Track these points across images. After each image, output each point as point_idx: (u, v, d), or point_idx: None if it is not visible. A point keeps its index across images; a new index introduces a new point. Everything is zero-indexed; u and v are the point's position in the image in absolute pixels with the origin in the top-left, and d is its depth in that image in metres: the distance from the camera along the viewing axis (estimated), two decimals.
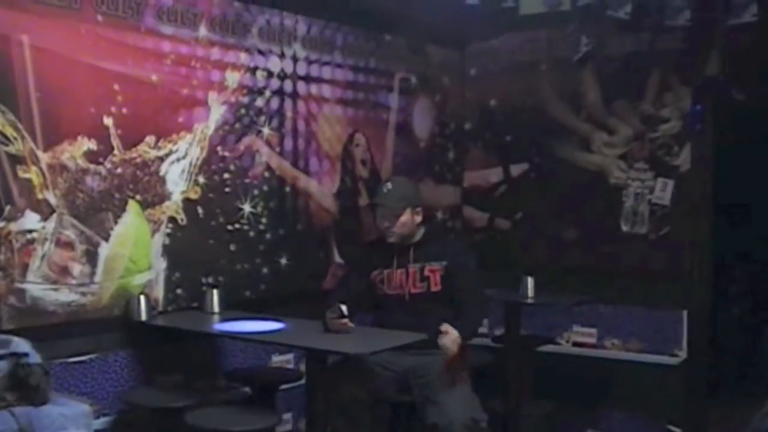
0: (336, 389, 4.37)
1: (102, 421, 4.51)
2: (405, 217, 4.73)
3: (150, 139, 4.74)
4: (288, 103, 5.54)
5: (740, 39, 5.69)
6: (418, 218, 4.80)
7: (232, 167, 5.20)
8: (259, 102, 5.35)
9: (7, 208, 4.14)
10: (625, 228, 6.15)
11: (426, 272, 4.76)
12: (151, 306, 4.73)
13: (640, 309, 6.06)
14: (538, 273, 5.66)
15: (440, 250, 4.82)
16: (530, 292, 5.61)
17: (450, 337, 4.51)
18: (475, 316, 4.83)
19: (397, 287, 4.80)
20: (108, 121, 4.53)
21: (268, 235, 5.45)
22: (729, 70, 5.81)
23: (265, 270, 5.44)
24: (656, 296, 5.95)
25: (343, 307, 4.34)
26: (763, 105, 5.99)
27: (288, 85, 5.54)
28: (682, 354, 5.95)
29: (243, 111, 5.25)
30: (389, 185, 4.83)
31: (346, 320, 4.35)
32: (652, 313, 6.02)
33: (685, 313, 5.94)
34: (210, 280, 5.10)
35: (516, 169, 6.72)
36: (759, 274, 7.75)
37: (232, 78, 5.18)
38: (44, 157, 4.26)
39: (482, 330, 6.55)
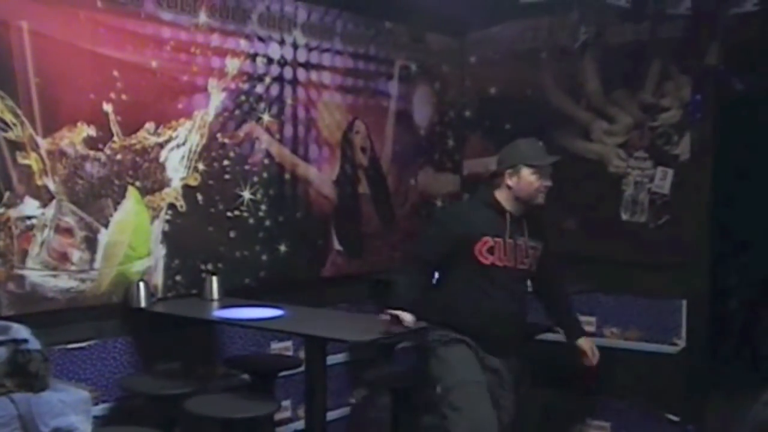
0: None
1: (101, 408, 4.52)
2: None
3: (150, 125, 4.74)
4: (288, 90, 5.53)
5: (741, 29, 5.68)
6: None
7: (231, 154, 5.19)
8: (259, 89, 5.34)
9: (7, 194, 4.14)
10: (624, 217, 6.14)
11: (529, 248, 4.26)
12: (151, 293, 4.74)
13: (640, 298, 6.05)
14: None
15: (541, 228, 4.37)
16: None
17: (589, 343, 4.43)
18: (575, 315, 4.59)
19: (506, 259, 4.17)
20: (107, 107, 4.53)
21: (267, 222, 5.44)
22: (729, 60, 5.79)
23: (264, 257, 5.44)
24: (655, 285, 5.94)
25: (408, 318, 3.98)
26: (764, 95, 5.98)
27: (288, 72, 5.53)
28: (681, 343, 5.95)
29: (243, 98, 5.25)
30: (542, 144, 4.39)
31: (398, 327, 4.00)
32: (652, 302, 6.01)
33: (684, 302, 5.93)
34: (209, 266, 5.10)
35: None
36: (758, 264, 7.75)
37: (232, 64, 5.17)
38: (44, 144, 4.26)
39: None
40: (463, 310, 4.17)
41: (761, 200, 7.30)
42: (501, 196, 4.22)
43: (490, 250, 4.13)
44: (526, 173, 4.17)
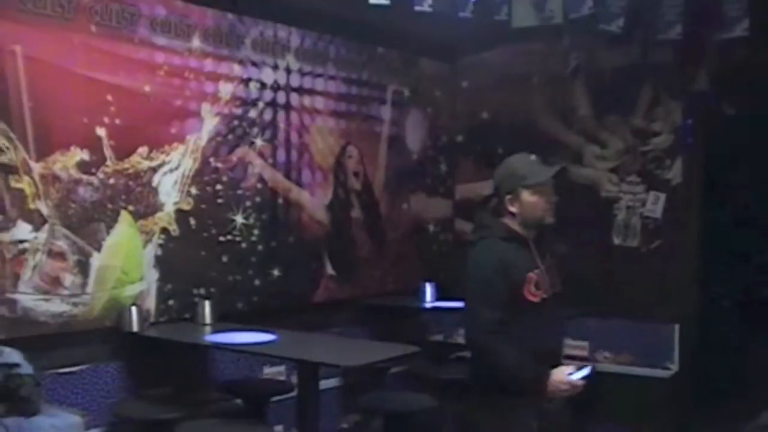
0: None
1: None
2: None
3: (143, 149, 4.75)
4: (281, 115, 5.55)
5: (731, 54, 5.71)
6: None
7: (224, 178, 5.20)
8: (252, 113, 5.36)
9: None
10: (617, 241, 6.16)
11: (555, 268, 3.84)
12: (143, 317, 4.72)
13: (632, 322, 6.06)
14: None
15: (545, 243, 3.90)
16: None
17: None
18: None
19: (548, 288, 3.73)
20: (101, 131, 4.53)
21: (260, 247, 5.44)
22: (720, 85, 5.83)
23: (257, 282, 5.43)
24: (648, 310, 5.95)
25: (567, 372, 3.69)
26: (754, 119, 6.01)
27: (281, 97, 5.54)
28: (674, 367, 5.95)
29: (236, 122, 5.26)
30: (535, 157, 3.87)
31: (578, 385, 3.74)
32: (644, 327, 6.01)
33: (676, 326, 5.94)
34: (202, 291, 5.09)
35: None
36: (750, 288, 7.75)
37: (225, 89, 5.18)
38: (36, 167, 4.26)
39: None
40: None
41: (754, 224, 7.32)
42: (511, 224, 3.74)
43: (537, 285, 3.68)
44: (527, 195, 3.71)
